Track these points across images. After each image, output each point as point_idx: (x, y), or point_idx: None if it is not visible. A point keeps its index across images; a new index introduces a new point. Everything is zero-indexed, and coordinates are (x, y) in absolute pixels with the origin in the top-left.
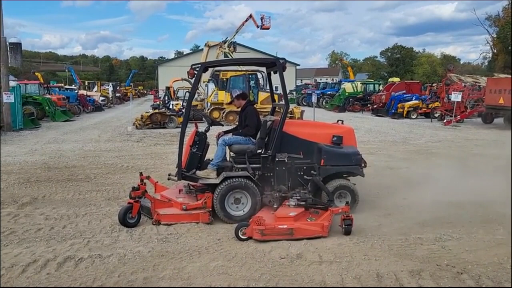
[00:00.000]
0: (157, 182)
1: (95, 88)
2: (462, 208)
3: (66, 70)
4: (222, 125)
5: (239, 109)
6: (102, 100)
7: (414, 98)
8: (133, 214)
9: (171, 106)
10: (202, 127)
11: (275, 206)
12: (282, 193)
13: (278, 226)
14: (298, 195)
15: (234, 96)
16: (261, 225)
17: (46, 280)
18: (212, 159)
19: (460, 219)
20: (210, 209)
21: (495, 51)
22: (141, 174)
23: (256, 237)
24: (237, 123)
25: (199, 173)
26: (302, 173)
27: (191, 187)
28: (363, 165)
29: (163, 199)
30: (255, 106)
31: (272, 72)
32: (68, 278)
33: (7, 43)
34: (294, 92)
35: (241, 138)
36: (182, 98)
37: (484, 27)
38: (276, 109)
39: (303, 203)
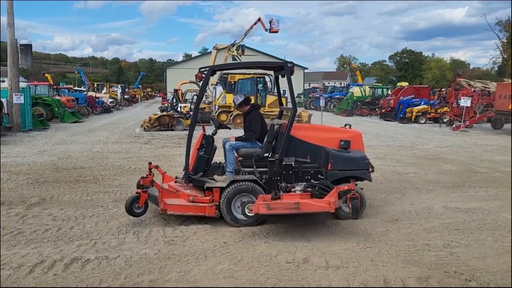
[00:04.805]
0: (165, 172)
1: (104, 90)
2: (471, 215)
3: (75, 72)
4: (230, 128)
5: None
6: (110, 102)
7: (422, 102)
8: (140, 204)
9: (179, 109)
10: (209, 130)
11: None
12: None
13: (285, 201)
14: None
15: (236, 105)
16: (267, 200)
17: (53, 281)
18: (224, 164)
19: (469, 226)
20: (217, 203)
21: (505, 56)
22: (150, 163)
23: (262, 211)
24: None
25: (218, 177)
26: (309, 177)
27: None
28: (370, 169)
29: (171, 189)
30: (260, 110)
31: (280, 76)
32: (75, 279)
33: (18, 45)
34: (302, 96)
35: (247, 142)
36: (190, 100)
37: (495, 32)
38: (284, 113)
39: (310, 189)
